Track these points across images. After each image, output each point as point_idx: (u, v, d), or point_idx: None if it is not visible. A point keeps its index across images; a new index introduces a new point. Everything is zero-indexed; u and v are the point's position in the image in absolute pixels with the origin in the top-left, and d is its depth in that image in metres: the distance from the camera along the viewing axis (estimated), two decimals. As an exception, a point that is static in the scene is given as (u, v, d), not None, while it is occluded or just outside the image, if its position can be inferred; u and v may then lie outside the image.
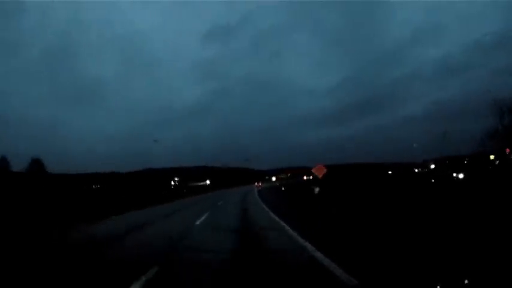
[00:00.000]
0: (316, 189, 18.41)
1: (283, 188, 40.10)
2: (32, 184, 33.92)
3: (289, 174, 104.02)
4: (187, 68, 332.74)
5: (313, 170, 18.78)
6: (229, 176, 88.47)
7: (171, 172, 76.70)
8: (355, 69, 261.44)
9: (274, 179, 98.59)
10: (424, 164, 79.79)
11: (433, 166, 70.84)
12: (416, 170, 78.32)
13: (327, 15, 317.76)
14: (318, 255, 5.44)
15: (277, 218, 11.37)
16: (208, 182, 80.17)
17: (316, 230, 8.01)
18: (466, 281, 2.70)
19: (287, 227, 8.80)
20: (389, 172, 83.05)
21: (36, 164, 40.16)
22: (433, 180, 27.64)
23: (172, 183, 74.05)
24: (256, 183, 71.64)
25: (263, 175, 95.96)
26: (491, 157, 34.77)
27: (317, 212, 11.74)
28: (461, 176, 27.89)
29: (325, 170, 18.47)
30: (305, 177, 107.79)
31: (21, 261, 6.74)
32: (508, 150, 29.71)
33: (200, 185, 75.89)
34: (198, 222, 11.48)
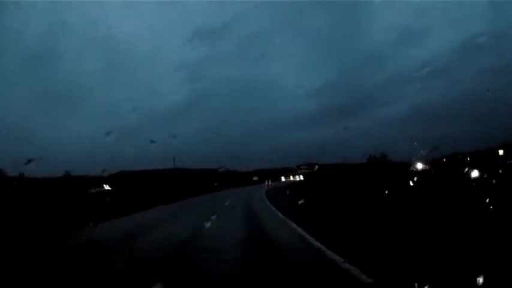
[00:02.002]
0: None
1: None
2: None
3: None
4: (172, 69, 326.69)
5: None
6: (216, 179, 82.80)
7: (146, 175, 71.09)
8: (340, 71, 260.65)
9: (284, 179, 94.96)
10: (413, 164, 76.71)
11: (420, 166, 67.68)
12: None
13: (313, 18, 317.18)
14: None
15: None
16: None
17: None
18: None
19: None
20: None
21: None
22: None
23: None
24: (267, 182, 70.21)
25: (248, 176, 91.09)
26: (500, 152, 31.15)
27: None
28: (475, 174, 23.62)
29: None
30: (292, 178, 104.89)
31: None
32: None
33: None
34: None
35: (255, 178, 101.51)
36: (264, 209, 19.03)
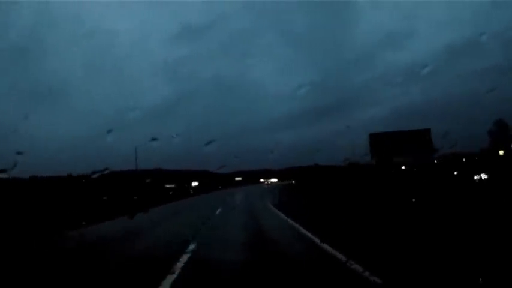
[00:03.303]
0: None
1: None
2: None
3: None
4: (155, 68, 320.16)
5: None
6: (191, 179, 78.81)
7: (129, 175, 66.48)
8: (323, 72, 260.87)
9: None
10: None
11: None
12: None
13: (298, 18, 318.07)
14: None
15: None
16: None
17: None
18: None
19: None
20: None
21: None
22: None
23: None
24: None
25: (227, 178, 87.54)
26: (501, 152, 29.40)
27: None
28: (483, 176, 21.55)
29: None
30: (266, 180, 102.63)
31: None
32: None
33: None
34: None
35: (237, 179, 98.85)
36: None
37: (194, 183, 69.46)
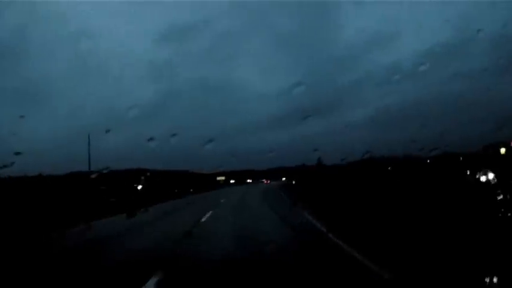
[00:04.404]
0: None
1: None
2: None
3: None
4: (140, 68, 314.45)
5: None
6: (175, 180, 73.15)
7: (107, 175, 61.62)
8: (308, 73, 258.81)
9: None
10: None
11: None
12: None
13: (283, 20, 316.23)
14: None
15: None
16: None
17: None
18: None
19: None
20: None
21: None
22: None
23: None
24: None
25: (208, 178, 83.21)
26: (502, 151, 26.24)
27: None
28: (491, 176, 18.02)
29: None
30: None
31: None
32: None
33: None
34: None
35: (219, 178, 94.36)
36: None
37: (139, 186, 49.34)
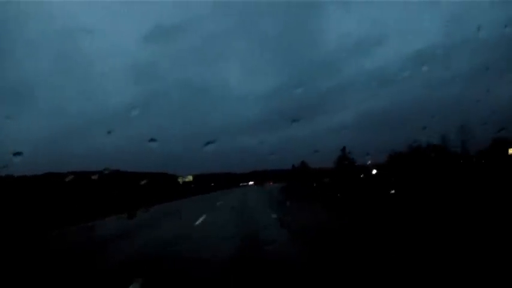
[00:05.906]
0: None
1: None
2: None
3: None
4: (125, 68, 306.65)
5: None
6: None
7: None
8: (291, 76, 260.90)
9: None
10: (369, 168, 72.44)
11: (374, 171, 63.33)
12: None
13: (268, 22, 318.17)
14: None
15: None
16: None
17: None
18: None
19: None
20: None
21: None
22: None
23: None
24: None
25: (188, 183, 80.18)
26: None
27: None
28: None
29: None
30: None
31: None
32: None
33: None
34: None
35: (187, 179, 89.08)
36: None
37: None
